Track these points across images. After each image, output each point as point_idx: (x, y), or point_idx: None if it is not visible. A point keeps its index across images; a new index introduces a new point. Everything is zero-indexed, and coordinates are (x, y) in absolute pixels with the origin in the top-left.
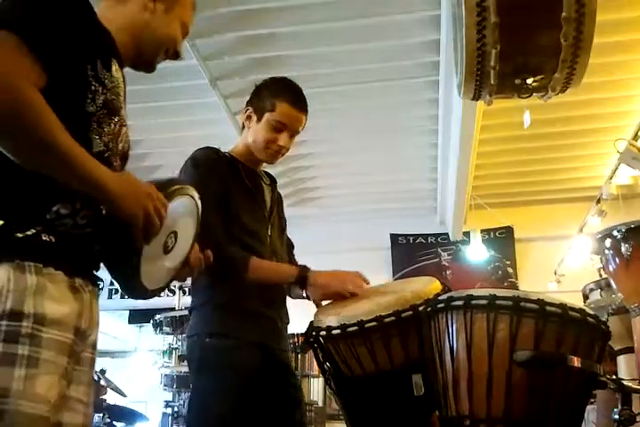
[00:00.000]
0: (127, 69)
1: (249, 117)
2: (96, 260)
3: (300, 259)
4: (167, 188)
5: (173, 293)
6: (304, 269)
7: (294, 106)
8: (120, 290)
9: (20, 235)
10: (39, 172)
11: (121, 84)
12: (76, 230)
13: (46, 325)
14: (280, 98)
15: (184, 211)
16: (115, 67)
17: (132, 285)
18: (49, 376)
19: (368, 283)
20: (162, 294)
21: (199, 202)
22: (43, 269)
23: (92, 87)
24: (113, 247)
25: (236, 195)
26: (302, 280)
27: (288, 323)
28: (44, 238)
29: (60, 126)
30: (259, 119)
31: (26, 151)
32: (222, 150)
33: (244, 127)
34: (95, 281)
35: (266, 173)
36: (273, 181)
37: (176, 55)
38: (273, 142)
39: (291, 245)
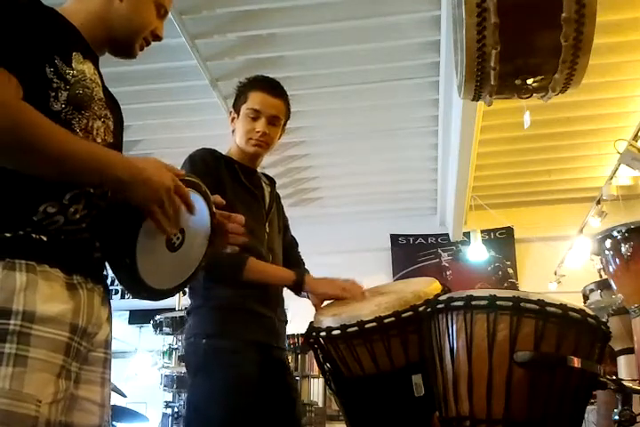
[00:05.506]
0: (129, 70)
1: (233, 119)
2: (98, 257)
3: None
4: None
5: None
6: (301, 274)
7: (265, 91)
8: (126, 291)
9: (8, 234)
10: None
11: (89, 76)
12: (71, 226)
13: (37, 322)
14: (251, 89)
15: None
16: (77, 60)
17: (131, 284)
18: (40, 375)
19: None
20: None
21: (211, 201)
22: (36, 266)
23: (54, 84)
24: (109, 244)
25: (234, 193)
26: (298, 285)
27: (286, 322)
28: (34, 237)
29: (52, 128)
30: (238, 116)
31: (31, 166)
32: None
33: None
34: (98, 278)
35: (264, 174)
36: (272, 182)
37: (156, 38)
38: (252, 131)
39: (295, 244)
